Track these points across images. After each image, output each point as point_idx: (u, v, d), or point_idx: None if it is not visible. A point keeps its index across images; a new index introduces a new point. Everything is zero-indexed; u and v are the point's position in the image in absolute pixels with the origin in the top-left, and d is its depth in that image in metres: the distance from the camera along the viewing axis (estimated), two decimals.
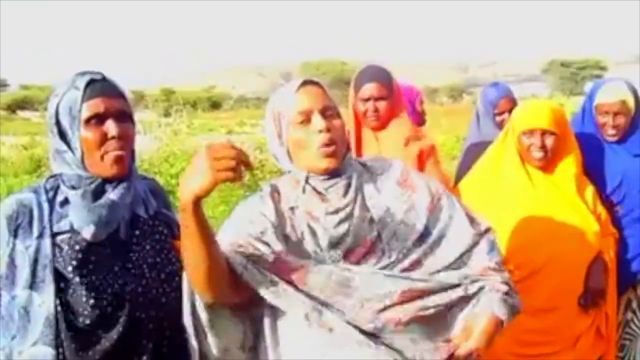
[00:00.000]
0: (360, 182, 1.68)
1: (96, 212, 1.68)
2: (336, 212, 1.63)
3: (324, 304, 1.57)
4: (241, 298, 1.63)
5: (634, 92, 2.79)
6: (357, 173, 1.69)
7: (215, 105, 54.43)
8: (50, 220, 1.69)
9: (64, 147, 1.70)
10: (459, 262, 1.68)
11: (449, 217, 1.71)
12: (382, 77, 2.89)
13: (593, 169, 2.76)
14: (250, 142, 11.87)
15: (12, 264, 1.66)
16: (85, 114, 1.67)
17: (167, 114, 18.89)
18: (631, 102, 2.76)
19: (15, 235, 1.67)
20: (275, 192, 1.71)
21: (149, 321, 1.73)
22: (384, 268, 1.61)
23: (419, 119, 3.55)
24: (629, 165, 2.78)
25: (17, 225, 1.68)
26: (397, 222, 1.65)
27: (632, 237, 2.77)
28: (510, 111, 3.13)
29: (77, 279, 1.66)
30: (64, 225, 1.69)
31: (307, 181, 1.66)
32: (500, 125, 3.24)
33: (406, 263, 1.62)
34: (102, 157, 1.69)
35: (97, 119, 1.68)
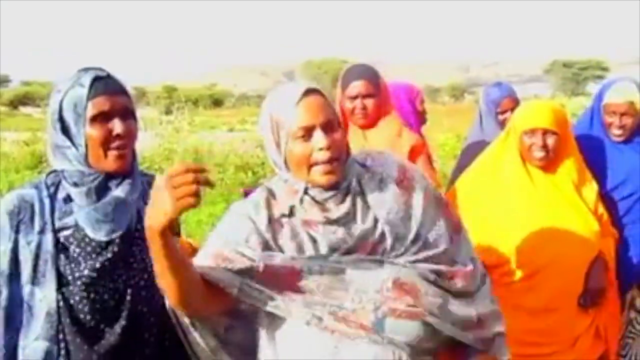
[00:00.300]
0: (361, 185, 1.67)
1: (101, 210, 1.69)
2: (336, 221, 1.61)
3: (323, 304, 1.56)
4: (220, 309, 1.62)
5: None
6: (357, 176, 1.67)
7: (217, 102, 54.46)
8: (52, 216, 1.70)
9: (67, 143, 1.71)
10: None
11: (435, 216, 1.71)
12: (370, 74, 2.87)
13: (598, 168, 2.75)
14: (252, 139, 11.89)
15: (15, 259, 1.68)
16: (91, 111, 1.68)
17: (168, 111, 18.88)
18: (639, 104, 2.75)
19: (17, 231, 1.68)
20: (270, 197, 1.67)
21: (151, 315, 1.75)
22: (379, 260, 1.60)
23: (419, 119, 3.54)
24: (635, 165, 2.77)
25: (19, 221, 1.69)
26: (398, 222, 1.65)
27: (635, 236, 2.76)
28: (512, 110, 3.13)
29: (82, 273, 1.67)
30: (69, 221, 1.70)
31: (305, 192, 1.63)
32: (502, 125, 3.25)
33: (401, 261, 1.62)
34: (105, 154, 1.70)
35: (103, 117, 1.69)
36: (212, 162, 9.74)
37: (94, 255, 1.69)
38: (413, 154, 2.82)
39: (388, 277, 1.58)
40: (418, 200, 1.68)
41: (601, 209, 2.68)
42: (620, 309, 2.76)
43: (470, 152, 3.14)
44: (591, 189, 2.68)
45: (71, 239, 1.69)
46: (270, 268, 1.56)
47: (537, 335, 2.54)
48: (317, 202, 1.63)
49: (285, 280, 1.56)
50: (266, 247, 1.59)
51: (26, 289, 1.67)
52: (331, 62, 64.42)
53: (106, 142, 1.70)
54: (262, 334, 1.67)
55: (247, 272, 1.56)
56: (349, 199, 1.63)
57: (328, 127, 1.59)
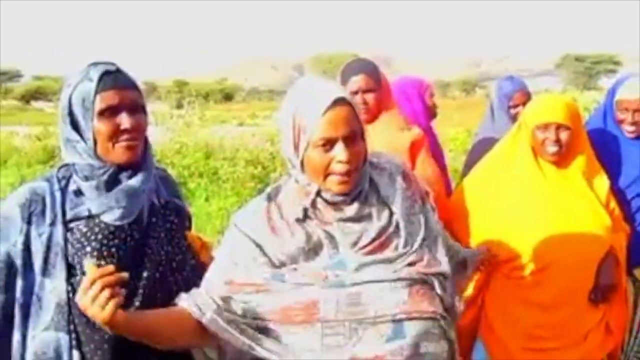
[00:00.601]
0: (374, 183, 1.66)
1: (113, 197, 1.70)
2: (352, 218, 1.61)
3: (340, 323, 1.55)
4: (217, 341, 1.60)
5: None
6: (368, 175, 1.66)
7: (227, 97, 54.53)
8: (63, 208, 1.71)
9: (77, 137, 1.71)
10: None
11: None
12: (369, 69, 2.84)
13: (611, 164, 2.73)
14: (262, 134, 11.90)
15: (27, 250, 1.69)
16: (99, 106, 1.68)
17: (179, 106, 18.94)
18: None
19: (29, 222, 1.69)
20: (272, 205, 1.65)
21: (163, 307, 1.73)
22: (392, 261, 1.60)
23: (429, 113, 3.52)
24: None
25: (30, 213, 1.70)
26: (409, 218, 1.66)
27: None
28: (524, 104, 3.11)
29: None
30: (82, 211, 1.71)
31: (318, 194, 1.61)
32: (514, 118, 3.23)
33: (411, 258, 1.62)
34: (113, 146, 1.71)
35: (111, 111, 1.69)
36: (222, 156, 9.77)
37: (105, 243, 1.70)
38: (414, 149, 2.80)
39: (404, 297, 1.57)
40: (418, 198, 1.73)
41: (613, 204, 2.67)
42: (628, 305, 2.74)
43: (481, 148, 3.13)
44: (603, 184, 2.66)
45: (86, 227, 1.70)
46: (287, 308, 1.54)
47: (547, 329, 2.53)
48: (330, 203, 1.62)
49: (304, 314, 1.54)
50: (272, 264, 1.58)
51: (37, 280, 1.68)
52: (342, 56, 64.22)
53: (114, 136, 1.70)
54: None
55: (264, 332, 1.56)
56: (363, 198, 1.63)
57: (350, 140, 1.56)
